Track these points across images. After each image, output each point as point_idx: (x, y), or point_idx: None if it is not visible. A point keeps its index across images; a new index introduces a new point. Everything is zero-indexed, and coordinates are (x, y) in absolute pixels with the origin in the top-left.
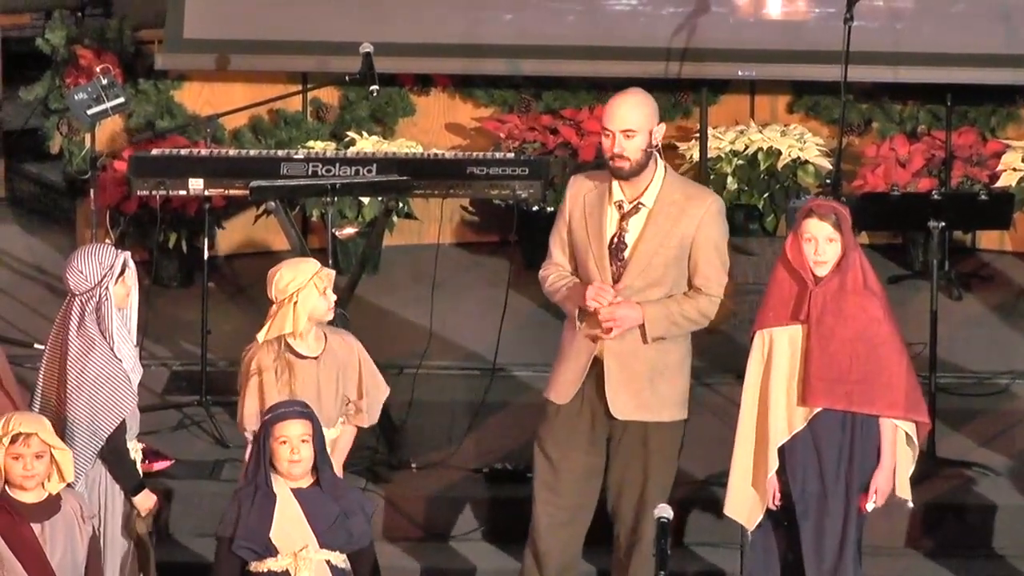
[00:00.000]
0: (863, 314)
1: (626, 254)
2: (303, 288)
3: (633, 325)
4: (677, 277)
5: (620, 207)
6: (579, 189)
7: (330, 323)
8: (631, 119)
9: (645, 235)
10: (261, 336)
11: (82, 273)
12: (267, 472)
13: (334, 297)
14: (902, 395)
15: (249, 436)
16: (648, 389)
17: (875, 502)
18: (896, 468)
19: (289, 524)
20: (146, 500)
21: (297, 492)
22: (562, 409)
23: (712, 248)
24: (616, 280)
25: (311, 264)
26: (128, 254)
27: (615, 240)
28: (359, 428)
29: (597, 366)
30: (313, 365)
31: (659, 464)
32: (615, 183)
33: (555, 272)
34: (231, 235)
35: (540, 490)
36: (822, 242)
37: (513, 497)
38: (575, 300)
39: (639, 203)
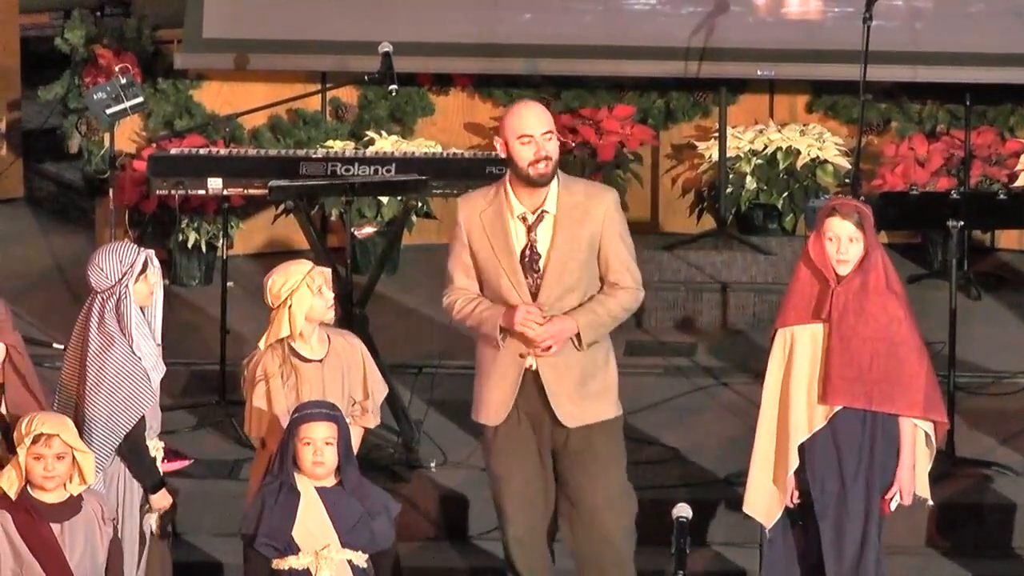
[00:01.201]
0: (884, 313)
1: (541, 264)
2: (296, 290)
3: (569, 336)
4: (590, 280)
5: (524, 219)
6: (472, 210)
7: (342, 323)
8: (546, 121)
9: (556, 242)
10: (262, 343)
11: (103, 271)
12: (291, 470)
13: (331, 295)
14: (921, 395)
15: (257, 443)
16: (584, 391)
17: (899, 501)
18: (915, 467)
19: (312, 522)
20: (161, 499)
21: (321, 491)
22: (500, 429)
23: (619, 241)
24: (534, 292)
25: (302, 265)
26: (151, 252)
27: (527, 252)
28: (366, 429)
29: (528, 380)
30: (318, 368)
31: (610, 462)
32: (512, 197)
33: (461, 296)
34: (251, 235)
35: (499, 509)
36: (844, 241)
37: None
38: (495, 323)
39: (543, 211)
